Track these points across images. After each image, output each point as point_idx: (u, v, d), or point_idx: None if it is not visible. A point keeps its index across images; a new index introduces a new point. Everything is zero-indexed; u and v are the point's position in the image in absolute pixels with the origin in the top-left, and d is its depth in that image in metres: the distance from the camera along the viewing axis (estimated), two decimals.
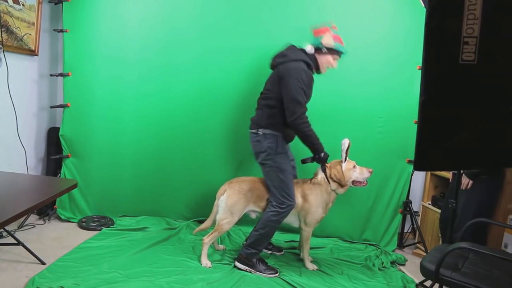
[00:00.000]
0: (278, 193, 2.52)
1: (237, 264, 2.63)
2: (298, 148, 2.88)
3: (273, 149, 2.50)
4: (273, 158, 2.51)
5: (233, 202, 2.58)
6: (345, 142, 2.58)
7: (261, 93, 2.63)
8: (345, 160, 2.60)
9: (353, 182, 2.63)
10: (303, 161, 2.62)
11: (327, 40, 2.52)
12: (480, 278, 1.78)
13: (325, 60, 2.56)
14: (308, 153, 2.61)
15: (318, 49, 2.54)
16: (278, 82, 2.48)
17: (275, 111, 2.50)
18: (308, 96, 2.52)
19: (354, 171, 2.60)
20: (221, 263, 2.68)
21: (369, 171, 2.62)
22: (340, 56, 2.60)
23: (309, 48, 2.56)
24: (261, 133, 2.53)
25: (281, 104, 2.46)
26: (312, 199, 2.62)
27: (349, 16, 3.13)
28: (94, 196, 3.34)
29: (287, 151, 2.59)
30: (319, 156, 2.52)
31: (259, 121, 2.56)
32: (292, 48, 2.58)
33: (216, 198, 2.69)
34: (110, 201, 3.35)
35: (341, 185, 2.61)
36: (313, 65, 2.55)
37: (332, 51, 2.54)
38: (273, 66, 2.59)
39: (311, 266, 2.74)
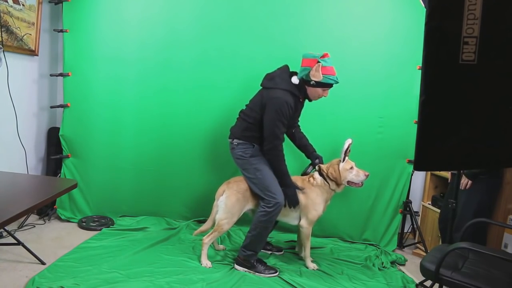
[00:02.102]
0: (262, 193, 2.53)
1: (236, 267, 2.63)
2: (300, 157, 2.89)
3: (247, 153, 2.55)
4: (248, 161, 2.55)
5: (232, 202, 2.59)
6: (346, 143, 2.60)
7: (246, 105, 2.66)
8: (344, 160, 2.63)
9: (348, 182, 2.66)
10: (304, 174, 2.73)
11: (315, 73, 2.41)
12: (480, 278, 1.78)
13: (314, 92, 2.51)
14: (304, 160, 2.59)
15: (306, 83, 2.48)
16: (260, 105, 2.51)
17: (251, 126, 2.55)
18: (291, 120, 2.56)
19: (350, 172, 2.63)
20: (221, 263, 2.68)
21: (366, 174, 2.64)
22: (332, 86, 2.51)
23: (294, 80, 2.51)
24: (235, 143, 2.59)
25: (258, 123, 2.51)
26: (314, 196, 2.65)
27: (349, 16, 3.13)
28: (94, 196, 3.34)
29: (263, 156, 2.59)
30: (285, 191, 2.53)
31: (236, 132, 2.61)
32: (283, 71, 2.56)
33: (215, 198, 2.70)
34: (110, 201, 3.35)
35: (337, 183, 2.65)
36: (300, 95, 2.52)
37: (321, 84, 2.45)
38: (262, 85, 2.60)
39: (312, 265, 2.74)
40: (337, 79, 2.47)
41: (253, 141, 2.57)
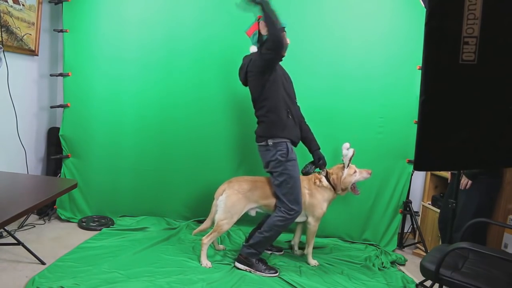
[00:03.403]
0: (287, 200, 2.53)
1: (237, 264, 2.64)
2: (300, 154, 2.89)
3: (284, 157, 2.51)
4: (283, 165, 2.51)
5: (232, 202, 2.59)
6: (350, 152, 2.66)
7: (254, 107, 2.65)
8: (347, 166, 2.69)
9: (351, 186, 2.75)
10: (307, 173, 2.74)
11: (264, 29, 2.48)
12: (480, 278, 1.78)
13: None
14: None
15: (264, 42, 2.52)
16: (254, 84, 2.53)
17: (272, 117, 2.52)
18: (286, 87, 2.57)
19: (354, 176, 2.72)
20: (221, 263, 2.68)
21: (369, 172, 2.74)
22: (285, 31, 2.54)
23: (253, 48, 2.61)
24: (270, 143, 2.52)
25: (269, 103, 2.50)
26: (319, 196, 2.71)
27: (349, 17, 3.14)
28: (94, 196, 3.34)
29: (296, 159, 2.58)
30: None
31: (264, 133, 2.56)
32: (245, 57, 2.66)
33: (214, 198, 2.69)
34: (110, 201, 3.35)
35: (338, 188, 2.73)
36: None
37: None
38: (244, 82, 2.66)
39: (313, 261, 2.78)
40: (284, 23, 2.52)
41: (286, 134, 2.52)
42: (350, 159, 2.68)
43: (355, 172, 2.71)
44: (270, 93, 2.50)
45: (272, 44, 2.38)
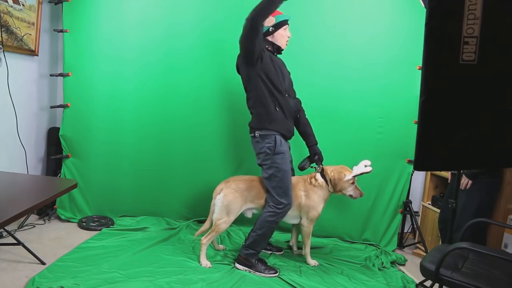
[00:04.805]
0: (276, 193, 2.52)
1: (237, 265, 2.64)
2: (298, 150, 2.89)
3: (271, 150, 2.51)
4: (271, 158, 2.51)
5: (229, 201, 2.58)
6: (368, 169, 2.62)
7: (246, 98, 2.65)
8: (353, 176, 2.66)
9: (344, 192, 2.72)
10: (302, 168, 2.73)
11: (266, 21, 2.46)
12: (480, 278, 1.78)
13: (279, 36, 2.58)
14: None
15: (266, 33, 2.55)
16: (242, 74, 2.55)
17: (259, 109, 2.52)
18: (282, 80, 2.56)
19: (350, 186, 2.69)
20: (221, 263, 2.68)
21: (361, 194, 2.71)
22: (288, 23, 2.59)
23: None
24: (257, 135, 2.54)
25: (255, 94, 2.51)
26: (315, 198, 2.68)
27: (349, 16, 3.14)
28: (94, 196, 3.34)
29: (286, 152, 2.58)
30: None
31: (253, 124, 2.58)
32: None
33: (212, 197, 2.69)
34: (110, 201, 3.35)
35: (334, 188, 2.70)
36: (271, 48, 2.60)
37: (277, 25, 2.55)
38: (238, 69, 2.64)
39: (312, 262, 2.77)
40: (287, 16, 2.58)
41: (275, 126, 2.51)
42: (362, 173, 2.63)
43: (353, 183, 2.68)
44: (255, 85, 2.50)
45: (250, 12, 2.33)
